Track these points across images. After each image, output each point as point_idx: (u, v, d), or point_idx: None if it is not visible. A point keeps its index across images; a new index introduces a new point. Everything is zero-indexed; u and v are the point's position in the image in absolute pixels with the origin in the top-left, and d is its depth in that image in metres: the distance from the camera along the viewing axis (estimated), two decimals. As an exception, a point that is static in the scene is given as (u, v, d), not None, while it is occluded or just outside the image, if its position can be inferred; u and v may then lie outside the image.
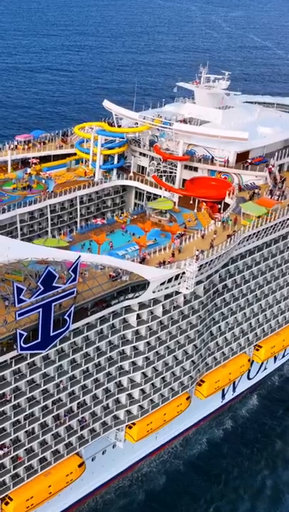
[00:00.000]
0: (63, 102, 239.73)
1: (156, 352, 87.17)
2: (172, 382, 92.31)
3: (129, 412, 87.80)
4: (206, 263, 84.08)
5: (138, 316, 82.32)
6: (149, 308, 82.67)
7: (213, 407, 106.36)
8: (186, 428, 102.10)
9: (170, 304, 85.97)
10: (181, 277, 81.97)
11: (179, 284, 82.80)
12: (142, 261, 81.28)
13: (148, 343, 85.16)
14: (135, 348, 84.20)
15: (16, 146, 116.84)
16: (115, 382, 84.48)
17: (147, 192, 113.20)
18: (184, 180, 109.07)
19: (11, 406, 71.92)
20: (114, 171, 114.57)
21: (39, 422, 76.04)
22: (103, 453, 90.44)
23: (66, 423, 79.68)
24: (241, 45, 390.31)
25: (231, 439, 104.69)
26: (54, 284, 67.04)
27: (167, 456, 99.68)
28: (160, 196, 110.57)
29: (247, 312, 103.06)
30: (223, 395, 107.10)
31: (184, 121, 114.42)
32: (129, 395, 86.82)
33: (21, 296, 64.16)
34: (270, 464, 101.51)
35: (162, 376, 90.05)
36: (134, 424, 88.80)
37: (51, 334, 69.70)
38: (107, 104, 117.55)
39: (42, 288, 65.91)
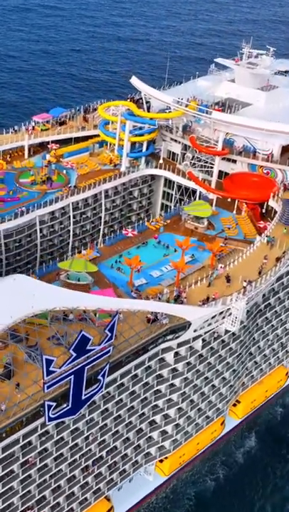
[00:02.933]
0: (85, 76, 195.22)
1: (194, 385, 78.67)
2: (208, 410, 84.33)
3: (161, 447, 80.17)
4: (255, 293, 74.43)
5: (176, 354, 73.29)
6: (189, 345, 73.59)
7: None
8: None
9: (210, 336, 76.76)
10: (227, 312, 72.54)
11: (224, 318, 73.43)
12: (178, 298, 71.50)
13: (185, 379, 76.50)
14: (171, 385, 75.61)
15: (34, 127, 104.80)
16: (148, 422, 76.37)
17: (178, 182, 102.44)
18: (222, 173, 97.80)
19: (36, 469, 63.94)
20: (143, 159, 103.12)
21: (66, 477, 68.34)
22: (130, 481, 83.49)
23: (95, 471, 72.07)
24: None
25: (223, 494, 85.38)
26: (88, 348, 57.66)
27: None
28: (191, 189, 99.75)
29: (288, 326, 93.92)
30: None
31: (222, 104, 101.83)
32: (163, 431, 78.93)
33: (51, 368, 54.98)
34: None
35: (198, 407, 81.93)
36: (165, 457, 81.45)
37: (83, 398, 60.88)
38: (135, 81, 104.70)
39: (74, 355, 56.59)
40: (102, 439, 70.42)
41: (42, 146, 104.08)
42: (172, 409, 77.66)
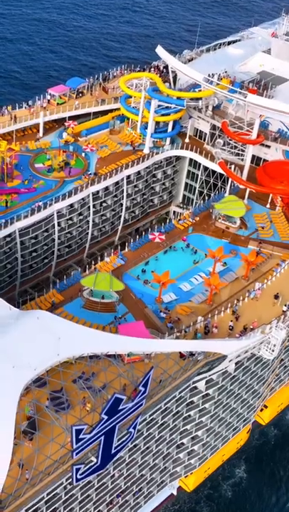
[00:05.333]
0: (103, 43, 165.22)
1: (224, 404, 74.01)
2: (235, 423, 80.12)
3: (188, 465, 76.40)
4: (295, 317, 68.59)
5: (208, 381, 68.15)
6: (222, 371, 68.33)
7: None
8: None
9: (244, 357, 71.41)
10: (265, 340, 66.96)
11: (261, 343, 67.88)
12: (207, 333, 65.72)
13: (216, 401, 71.72)
14: (202, 409, 70.91)
15: (49, 101, 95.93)
16: (176, 445, 72.15)
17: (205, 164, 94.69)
18: (254, 158, 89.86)
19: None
20: (168, 139, 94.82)
21: (90, 515, 64.56)
22: None
23: (120, 502, 68.38)
24: None
25: None
26: (121, 407, 52.27)
27: None
28: (218, 173, 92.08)
29: None
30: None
31: (257, 83, 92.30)
32: (190, 451, 74.94)
33: (81, 435, 49.81)
34: None
35: (227, 422, 77.65)
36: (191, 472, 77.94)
37: (112, 452, 56.02)
38: (161, 52, 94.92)
39: (106, 418, 51.26)
40: (128, 472, 66.26)
41: (57, 122, 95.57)
42: (201, 431, 73.35)
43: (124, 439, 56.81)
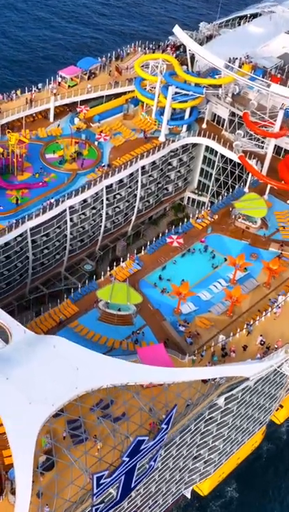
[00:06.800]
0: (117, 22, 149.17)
1: (243, 415, 72.21)
2: (252, 428, 78.54)
3: (203, 472, 75.14)
4: None
5: (228, 397, 66.02)
6: (242, 387, 66.18)
7: None
8: None
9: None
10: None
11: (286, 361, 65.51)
12: (225, 355, 63.18)
13: (235, 414, 69.82)
14: (220, 422, 69.06)
15: (60, 83, 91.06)
16: (193, 457, 70.64)
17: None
18: (276, 148, 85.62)
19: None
20: (185, 126, 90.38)
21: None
22: None
23: (135, 517, 67.21)
24: None
25: None
26: (142, 447, 50.18)
27: None
28: (235, 162, 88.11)
29: None
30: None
31: (281, 69, 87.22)
32: (207, 460, 73.55)
33: (101, 481, 47.85)
34: None
35: (244, 429, 76.07)
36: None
37: (132, 486, 54.25)
38: (178, 33, 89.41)
39: (127, 460, 49.21)
40: (145, 490, 64.82)
41: (69, 105, 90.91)
42: (219, 441, 71.76)
43: (144, 471, 55.00)
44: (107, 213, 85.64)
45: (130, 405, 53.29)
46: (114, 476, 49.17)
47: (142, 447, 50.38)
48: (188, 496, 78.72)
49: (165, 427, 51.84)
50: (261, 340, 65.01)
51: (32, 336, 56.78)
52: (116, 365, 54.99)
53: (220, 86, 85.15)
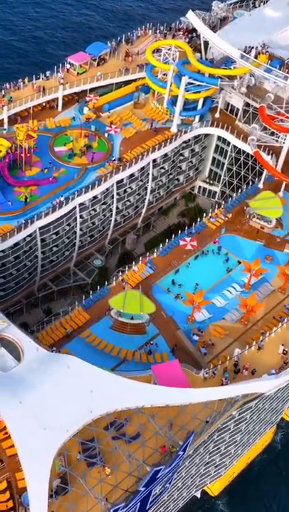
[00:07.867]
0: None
1: (256, 420, 71.43)
2: (263, 429, 77.93)
3: (215, 475, 74.78)
4: None
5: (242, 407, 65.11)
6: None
7: None
8: None
9: (279, 378, 68.01)
10: (303, 369, 63.30)
11: (299, 372, 64.27)
12: (237, 372, 61.86)
13: (248, 421, 69.02)
14: (234, 430, 68.27)
15: (68, 70, 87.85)
16: (206, 463, 70.09)
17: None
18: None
19: None
20: (197, 116, 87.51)
21: None
22: None
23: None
24: None
25: None
26: (159, 475, 49.27)
27: None
28: (248, 154, 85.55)
29: None
30: None
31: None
32: (219, 464, 73.09)
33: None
34: None
35: (257, 432, 75.43)
36: (216, 478, 76.56)
37: (147, 508, 53.55)
38: (192, 18, 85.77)
39: (142, 490, 48.33)
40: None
41: (78, 94, 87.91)
42: (231, 446, 71.16)
43: (158, 493, 54.30)
44: (117, 208, 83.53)
45: (146, 428, 52.29)
46: (130, 505, 48.36)
47: (158, 475, 49.46)
48: (198, 495, 78.85)
49: (182, 453, 50.85)
50: (284, 350, 63.69)
51: (45, 354, 55.35)
52: (131, 387, 53.66)
53: (235, 77, 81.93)
